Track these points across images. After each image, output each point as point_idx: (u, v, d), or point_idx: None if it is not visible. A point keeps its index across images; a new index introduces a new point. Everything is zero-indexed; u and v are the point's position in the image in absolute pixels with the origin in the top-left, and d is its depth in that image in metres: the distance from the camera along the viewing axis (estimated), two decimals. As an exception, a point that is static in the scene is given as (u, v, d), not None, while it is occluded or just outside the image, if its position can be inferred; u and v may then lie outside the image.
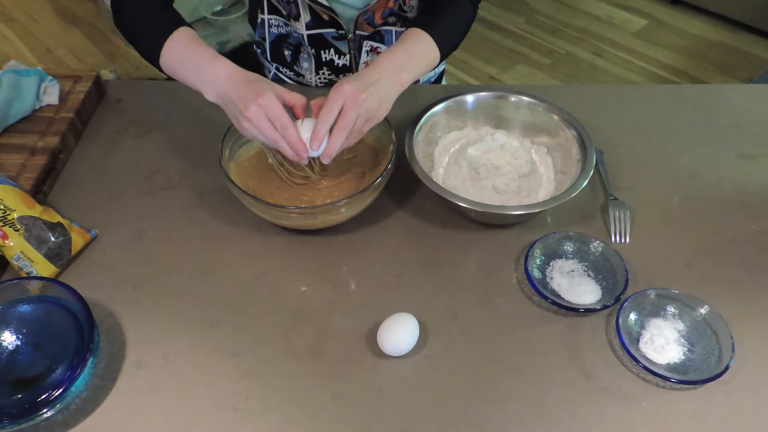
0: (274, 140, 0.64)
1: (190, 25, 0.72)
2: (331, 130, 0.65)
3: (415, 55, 0.73)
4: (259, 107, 0.63)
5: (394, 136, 0.74)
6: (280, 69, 1.01)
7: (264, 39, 0.99)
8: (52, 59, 2.48)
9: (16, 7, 2.78)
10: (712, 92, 1.00)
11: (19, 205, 0.69)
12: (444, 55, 0.76)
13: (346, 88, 0.65)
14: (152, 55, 0.71)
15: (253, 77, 0.66)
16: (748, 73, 2.37)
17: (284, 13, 0.91)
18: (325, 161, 0.67)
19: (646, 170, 0.84)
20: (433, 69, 0.79)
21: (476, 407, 0.60)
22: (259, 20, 0.96)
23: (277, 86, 0.67)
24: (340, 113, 0.65)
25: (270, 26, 0.95)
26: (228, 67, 0.67)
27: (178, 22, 0.71)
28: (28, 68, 0.87)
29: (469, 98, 0.83)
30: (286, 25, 0.93)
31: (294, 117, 0.68)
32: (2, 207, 0.68)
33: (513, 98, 0.83)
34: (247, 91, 0.64)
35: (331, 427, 0.59)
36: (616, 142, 0.88)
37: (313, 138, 0.65)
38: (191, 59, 0.69)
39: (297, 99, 0.68)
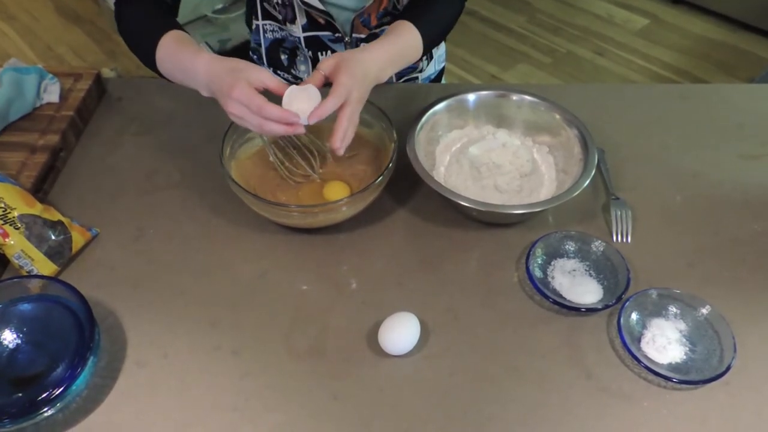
0: (259, 126, 0.63)
1: (182, 28, 0.71)
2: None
3: (404, 52, 0.74)
4: (234, 101, 0.62)
5: (395, 135, 0.74)
6: (278, 73, 1.01)
7: (259, 45, 0.98)
8: (52, 57, 2.48)
9: (16, 5, 2.78)
10: (714, 92, 1.00)
11: (20, 203, 0.69)
12: (425, 52, 0.77)
13: (353, 96, 0.65)
14: (153, 67, 0.72)
15: (226, 66, 0.65)
16: (750, 73, 2.36)
17: (279, 17, 0.90)
18: (340, 153, 0.66)
19: (647, 170, 0.84)
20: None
21: (477, 407, 0.60)
22: (253, 26, 0.96)
23: (254, 69, 0.64)
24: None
25: (265, 32, 0.95)
26: (204, 61, 0.66)
27: (167, 26, 0.70)
28: (29, 66, 0.87)
29: (471, 97, 0.83)
30: (281, 29, 0.93)
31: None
32: (3, 205, 0.68)
33: (515, 97, 0.83)
34: (223, 86, 0.63)
35: (332, 426, 0.58)
36: (618, 141, 0.88)
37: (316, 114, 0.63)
38: (177, 61, 0.69)
39: (274, 84, 0.65)
